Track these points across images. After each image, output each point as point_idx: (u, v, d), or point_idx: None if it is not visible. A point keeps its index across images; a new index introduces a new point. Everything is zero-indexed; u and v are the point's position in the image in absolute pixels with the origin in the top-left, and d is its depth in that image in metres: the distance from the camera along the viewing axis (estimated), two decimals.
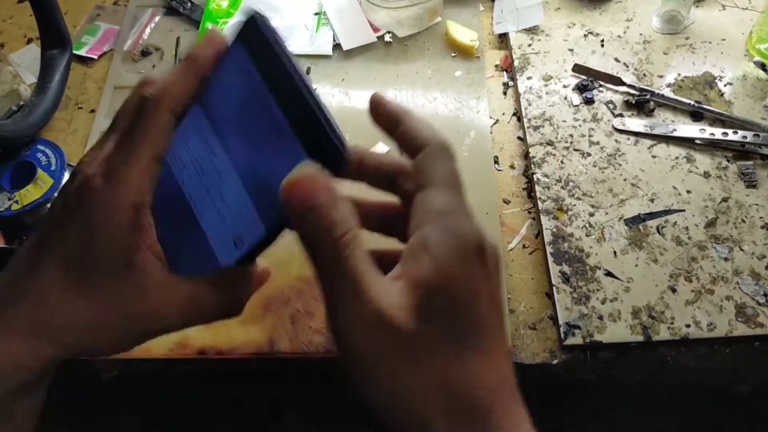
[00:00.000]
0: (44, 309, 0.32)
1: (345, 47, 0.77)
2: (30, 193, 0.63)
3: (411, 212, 0.34)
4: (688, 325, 0.57)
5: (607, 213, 0.64)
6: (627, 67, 0.74)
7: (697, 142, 0.68)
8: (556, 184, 0.66)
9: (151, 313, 0.34)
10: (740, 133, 0.67)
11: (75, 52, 0.77)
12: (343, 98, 0.74)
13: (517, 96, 0.74)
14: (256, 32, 0.33)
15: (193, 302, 0.35)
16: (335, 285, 0.31)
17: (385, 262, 0.32)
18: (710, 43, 0.76)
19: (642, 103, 0.70)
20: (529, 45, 0.77)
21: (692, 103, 0.69)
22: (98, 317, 0.33)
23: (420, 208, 0.34)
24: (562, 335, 0.57)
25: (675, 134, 0.68)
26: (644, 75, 0.73)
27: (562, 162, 0.68)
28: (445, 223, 0.32)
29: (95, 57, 0.79)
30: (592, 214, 0.64)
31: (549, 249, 0.62)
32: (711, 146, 0.68)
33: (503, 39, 0.80)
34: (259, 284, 0.38)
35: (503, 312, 0.35)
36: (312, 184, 0.30)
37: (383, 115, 0.38)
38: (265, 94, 0.32)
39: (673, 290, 0.59)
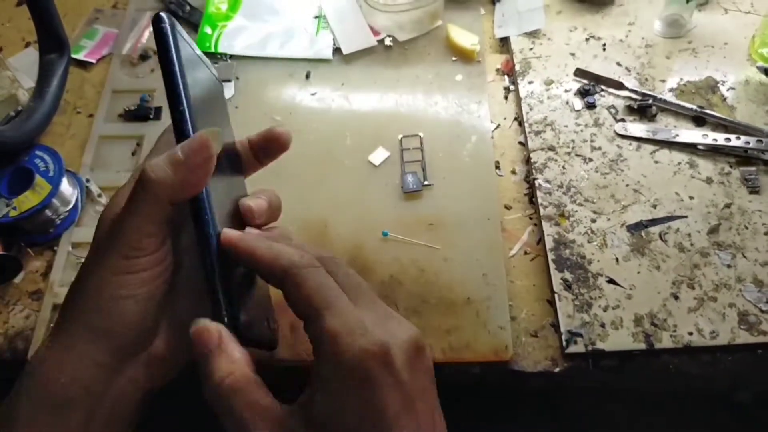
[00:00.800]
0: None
1: (345, 51, 0.77)
2: (28, 200, 0.63)
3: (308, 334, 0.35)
4: (690, 333, 0.57)
5: (609, 219, 0.63)
6: (629, 71, 0.74)
7: (700, 147, 0.67)
8: (557, 190, 0.66)
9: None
10: (743, 138, 0.66)
11: (73, 56, 0.77)
12: (343, 102, 0.74)
13: (519, 100, 0.73)
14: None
15: None
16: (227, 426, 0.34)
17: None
18: (713, 47, 0.76)
19: (644, 108, 0.70)
20: (531, 49, 0.77)
21: (695, 108, 0.69)
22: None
23: (310, 333, 0.34)
24: (564, 343, 0.57)
25: (677, 139, 0.68)
26: (646, 79, 0.73)
27: (563, 167, 0.67)
28: (337, 349, 0.32)
29: (93, 61, 0.79)
30: (594, 221, 0.64)
31: (551, 255, 0.62)
32: (713, 152, 0.67)
33: (504, 43, 0.80)
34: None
35: (430, 402, 0.35)
36: (202, 335, 0.35)
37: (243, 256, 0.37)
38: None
39: (676, 297, 0.59)
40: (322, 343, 0.33)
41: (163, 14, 0.37)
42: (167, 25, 0.37)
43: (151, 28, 0.80)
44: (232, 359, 0.34)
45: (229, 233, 0.36)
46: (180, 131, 0.36)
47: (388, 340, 0.32)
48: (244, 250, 0.36)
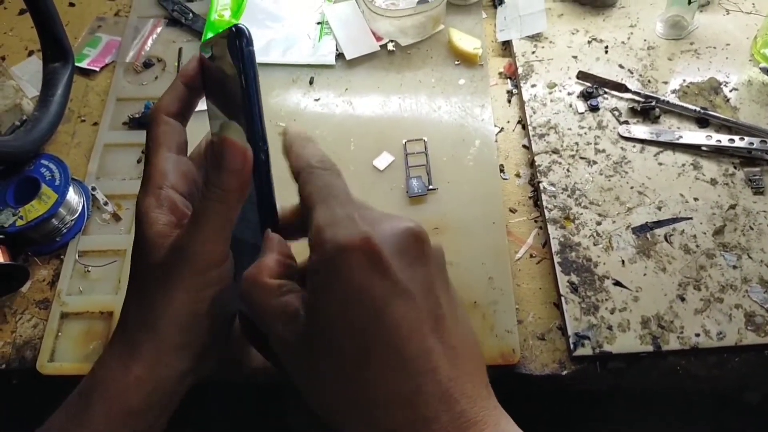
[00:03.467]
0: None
1: (348, 56, 0.77)
2: (34, 209, 0.63)
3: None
4: (697, 335, 0.57)
5: (614, 221, 0.64)
6: (631, 73, 0.74)
7: (704, 148, 0.67)
8: (562, 193, 0.66)
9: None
10: (747, 139, 0.66)
11: (77, 64, 0.77)
12: (346, 108, 0.74)
13: (522, 104, 0.73)
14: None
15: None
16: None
17: None
18: (715, 48, 0.76)
19: (647, 109, 0.70)
20: (533, 52, 0.77)
21: (698, 109, 0.69)
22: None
23: (309, 229, 0.34)
24: (572, 346, 0.57)
25: (681, 141, 0.68)
26: (649, 81, 0.73)
27: (568, 170, 0.67)
28: (320, 240, 0.32)
29: (97, 69, 0.79)
30: (599, 223, 0.64)
31: (557, 258, 0.62)
32: (717, 153, 0.67)
33: (507, 46, 0.80)
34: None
35: (431, 297, 0.33)
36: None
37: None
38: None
39: (682, 299, 0.59)
40: (311, 238, 0.33)
41: (242, 27, 0.38)
42: (252, 48, 0.38)
43: (154, 36, 0.81)
44: (266, 260, 0.36)
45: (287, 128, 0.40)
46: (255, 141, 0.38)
47: (372, 232, 0.32)
48: (288, 141, 0.38)
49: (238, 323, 0.43)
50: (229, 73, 0.39)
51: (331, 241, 0.31)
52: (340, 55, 0.78)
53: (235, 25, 0.38)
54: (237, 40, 0.37)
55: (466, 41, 0.77)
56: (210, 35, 0.79)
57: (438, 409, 0.30)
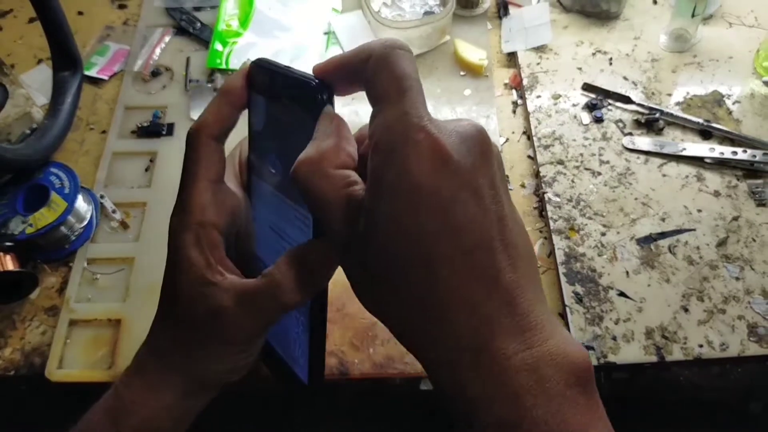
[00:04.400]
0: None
1: None
2: (44, 217, 0.64)
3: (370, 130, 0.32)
4: (701, 345, 0.58)
5: (618, 232, 0.64)
6: (635, 85, 0.75)
7: (707, 160, 0.68)
8: (567, 204, 0.66)
9: (228, 326, 0.37)
10: (749, 151, 0.67)
11: (85, 72, 0.78)
12: (353, 117, 0.74)
13: (527, 115, 0.74)
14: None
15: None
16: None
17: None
18: (718, 61, 0.77)
19: (651, 121, 0.71)
20: (538, 63, 0.78)
21: (701, 121, 0.70)
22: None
23: (371, 126, 0.32)
24: None
25: (685, 153, 0.68)
26: (653, 93, 0.74)
27: (572, 181, 0.68)
28: (386, 140, 0.30)
29: (106, 78, 0.80)
30: (603, 234, 0.64)
31: (561, 269, 0.62)
32: (720, 165, 0.68)
33: (512, 57, 0.81)
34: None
35: (500, 202, 0.31)
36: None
37: (333, 74, 0.35)
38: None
39: (686, 310, 0.59)
40: (377, 127, 0.31)
41: (328, 83, 0.35)
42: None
43: (162, 45, 0.82)
44: (326, 144, 0.33)
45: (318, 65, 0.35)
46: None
47: (439, 131, 0.30)
48: (332, 63, 0.34)
49: None
50: (287, 120, 0.37)
51: (400, 141, 0.29)
52: None
53: (319, 79, 0.35)
54: (319, 94, 0.34)
55: (471, 52, 0.77)
56: (218, 45, 0.80)
57: (501, 312, 0.29)
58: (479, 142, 0.30)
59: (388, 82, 0.31)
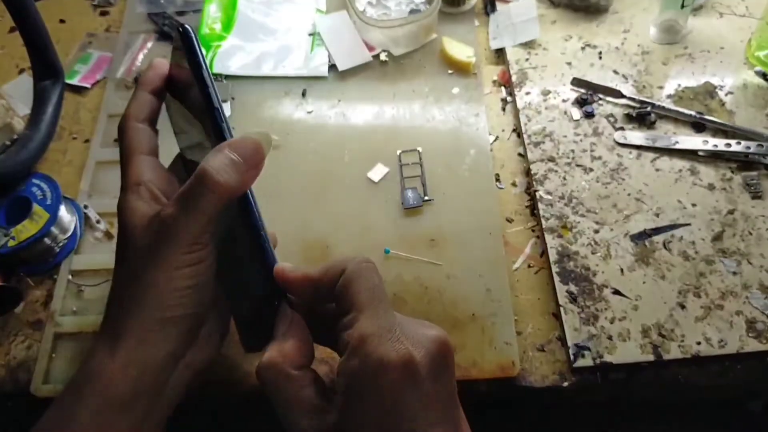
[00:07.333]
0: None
1: (340, 68, 0.76)
2: (26, 229, 0.62)
3: (339, 341, 0.37)
4: (698, 343, 0.56)
5: (612, 229, 0.63)
6: (626, 79, 0.74)
7: (700, 153, 0.67)
8: (559, 201, 0.65)
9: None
10: (743, 143, 0.66)
11: (67, 81, 0.76)
12: (340, 120, 0.73)
13: (516, 112, 0.73)
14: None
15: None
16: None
17: None
18: (709, 51, 0.75)
19: (643, 115, 0.70)
20: (527, 59, 0.77)
21: (694, 114, 0.69)
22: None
23: (343, 336, 0.36)
24: (572, 357, 0.56)
25: (677, 146, 0.67)
26: (644, 87, 0.73)
27: (564, 178, 0.67)
28: (364, 351, 0.34)
29: (88, 86, 0.78)
30: (597, 231, 0.63)
31: (555, 268, 0.61)
32: (714, 158, 0.67)
33: (500, 54, 0.79)
34: None
35: (451, 407, 0.37)
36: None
37: (295, 285, 0.41)
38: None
39: (683, 307, 0.58)
40: (353, 339, 0.35)
41: (187, 26, 0.43)
42: (193, 35, 0.43)
43: (145, 51, 0.80)
44: (288, 346, 0.38)
45: (281, 266, 0.41)
46: (218, 132, 0.42)
47: (413, 350, 0.35)
48: (300, 276, 0.41)
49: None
50: (186, 77, 0.43)
51: (376, 354, 0.34)
52: (332, 67, 0.77)
53: (181, 25, 0.42)
54: (183, 39, 0.42)
55: (459, 50, 0.76)
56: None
57: None
58: (445, 355, 0.36)
59: (362, 293, 0.37)
